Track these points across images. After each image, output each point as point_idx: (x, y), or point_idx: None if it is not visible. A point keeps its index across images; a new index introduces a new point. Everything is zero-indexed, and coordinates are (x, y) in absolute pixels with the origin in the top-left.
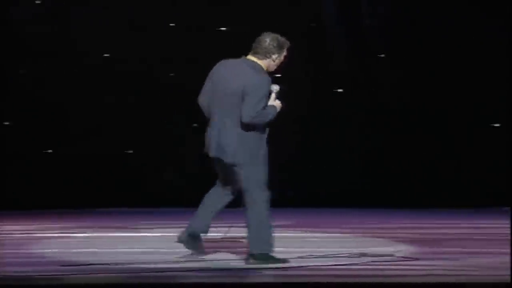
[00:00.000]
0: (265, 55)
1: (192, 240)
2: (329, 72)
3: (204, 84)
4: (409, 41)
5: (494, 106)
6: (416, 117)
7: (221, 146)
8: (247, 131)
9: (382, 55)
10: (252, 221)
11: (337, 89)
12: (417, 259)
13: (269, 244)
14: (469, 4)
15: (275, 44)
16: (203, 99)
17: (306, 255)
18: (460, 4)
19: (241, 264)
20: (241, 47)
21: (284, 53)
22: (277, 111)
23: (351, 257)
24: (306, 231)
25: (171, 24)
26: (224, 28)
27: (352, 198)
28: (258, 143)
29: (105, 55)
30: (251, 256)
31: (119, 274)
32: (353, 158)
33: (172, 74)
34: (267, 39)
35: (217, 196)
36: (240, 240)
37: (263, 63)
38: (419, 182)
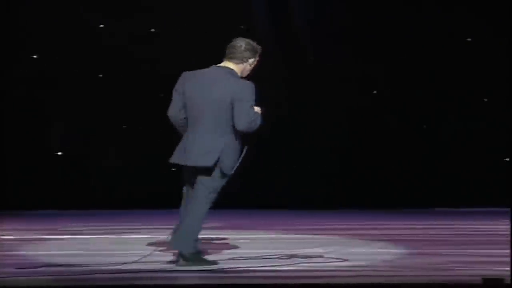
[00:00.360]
0: (242, 59)
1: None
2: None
3: (172, 98)
4: (339, 43)
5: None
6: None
7: (202, 154)
8: (233, 141)
9: (312, 58)
10: (189, 221)
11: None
12: (346, 259)
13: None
14: (405, 4)
15: (250, 48)
16: (174, 112)
17: (237, 257)
18: (394, 5)
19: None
20: (172, 49)
21: (257, 58)
22: (260, 115)
23: (281, 259)
24: (236, 233)
25: None
26: (153, 30)
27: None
28: (238, 156)
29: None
30: (181, 256)
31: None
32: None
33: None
34: (242, 44)
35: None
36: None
37: (238, 68)
38: (362, 182)
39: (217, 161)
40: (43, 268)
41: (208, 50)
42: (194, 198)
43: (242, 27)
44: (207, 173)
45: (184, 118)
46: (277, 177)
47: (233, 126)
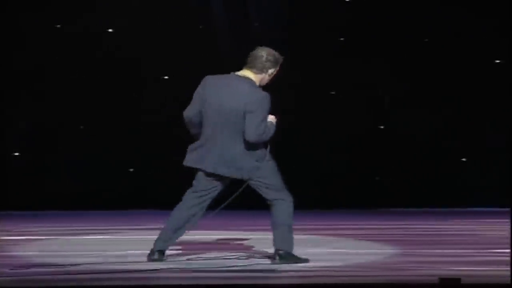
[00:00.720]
0: (262, 70)
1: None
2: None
3: (192, 99)
4: (297, 43)
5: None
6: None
7: (228, 162)
8: (249, 148)
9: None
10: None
11: None
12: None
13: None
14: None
15: (272, 59)
16: (191, 114)
17: (194, 258)
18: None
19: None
20: (128, 48)
21: (278, 68)
22: (274, 125)
23: (240, 259)
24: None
25: None
26: (110, 30)
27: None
28: (264, 152)
29: None
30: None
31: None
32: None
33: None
34: (264, 54)
35: (192, 212)
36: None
37: (258, 77)
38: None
39: (238, 168)
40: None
41: (166, 49)
42: (274, 202)
43: (201, 27)
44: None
45: (200, 121)
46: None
47: None
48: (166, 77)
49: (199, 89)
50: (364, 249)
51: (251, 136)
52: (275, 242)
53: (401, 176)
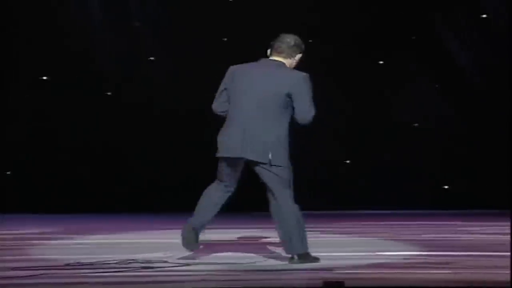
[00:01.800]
0: (291, 54)
1: (194, 236)
2: (97, 74)
3: (218, 91)
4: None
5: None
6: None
7: (258, 147)
8: (285, 133)
9: (152, 58)
10: (291, 220)
11: (106, 92)
12: (188, 264)
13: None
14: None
15: (299, 44)
16: (220, 107)
17: (74, 262)
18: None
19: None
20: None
21: (303, 54)
22: None
23: (121, 263)
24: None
25: None
26: None
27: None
28: (288, 146)
29: None
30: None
31: None
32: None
33: None
34: (291, 39)
35: (221, 195)
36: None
37: (288, 62)
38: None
39: (276, 153)
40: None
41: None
42: (276, 197)
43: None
44: (271, 168)
45: (226, 110)
46: None
47: (285, 120)
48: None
49: (225, 80)
50: (249, 252)
51: (307, 117)
52: (287, 248)
53: None
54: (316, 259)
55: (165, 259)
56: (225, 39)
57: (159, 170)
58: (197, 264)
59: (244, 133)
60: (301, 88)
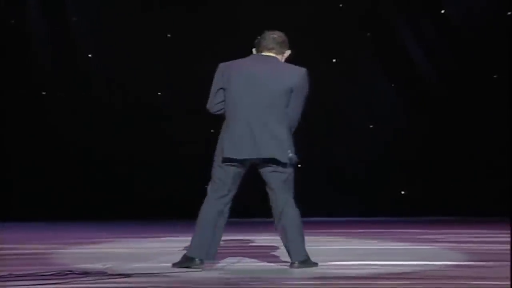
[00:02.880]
0: (280, 51)
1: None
2: (35, 73)
3: (211, 91)
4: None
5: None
6: None
7: (273, 146)
8: (290, 130)
9: (90, 55)
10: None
11: (41, 91)
12: (128, 275)
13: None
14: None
15: (286, 40)
16: (216, 106)
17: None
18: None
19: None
20: None
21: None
22: None
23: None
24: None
25: None
26: None
27: None
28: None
29: None
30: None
31: None
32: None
33: None
34: (278, 35)
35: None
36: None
37: (279, 58)
38: None
39: (288, 152)
40: None
41: None
42: (284, 201)
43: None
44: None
45: (222, 109)
46: None
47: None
48: None
49: (217, 79)
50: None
51: (296, 116)
52: (293, 255)
53: None
54: (315, 264)
55: (104, 270)
56: (169, 35)
57: (103, 177)
58: (138, 275)
59: (252, 132)
60: (303, 83)
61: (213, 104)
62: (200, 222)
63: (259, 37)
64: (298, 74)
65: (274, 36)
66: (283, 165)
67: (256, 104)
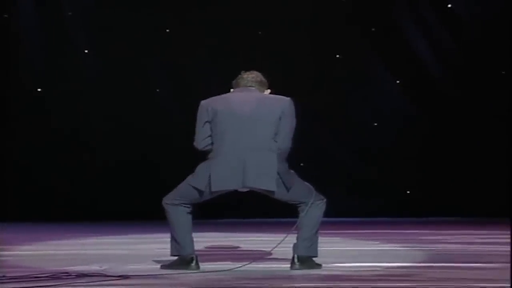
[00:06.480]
0: (261, 89)
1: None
2: (25, 68)
3: (196, 129)
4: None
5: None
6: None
7: (262, 174)
8: (280, 158)
9: (86, 51)
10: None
11: (37, 88)
12: (126, 277)
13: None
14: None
15: (264, 80)
16: (203, 142)
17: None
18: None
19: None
20: None
21: None
22: None
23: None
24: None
25: None
26: None
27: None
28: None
29: None
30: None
31: None
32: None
33: None
34: (256, 75)
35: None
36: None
37: None
38: None
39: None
40: None
41: None
42: (304, 205)
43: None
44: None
45: (209, 144)
46: None
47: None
48: None
49: (204, 114)
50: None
51: (287, 143)
52: (295, 249)
53: None
54: (318, 266)
55: (101, 272)
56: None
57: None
58: (136, 277)
59: (241, 163)
60: (290, 112)
61: (200, 140)
62: (175, 222)
63: (236, 78)
64: (284, 103)
65: (252, 75)
66: (272, 193)
67: (244, 135)
